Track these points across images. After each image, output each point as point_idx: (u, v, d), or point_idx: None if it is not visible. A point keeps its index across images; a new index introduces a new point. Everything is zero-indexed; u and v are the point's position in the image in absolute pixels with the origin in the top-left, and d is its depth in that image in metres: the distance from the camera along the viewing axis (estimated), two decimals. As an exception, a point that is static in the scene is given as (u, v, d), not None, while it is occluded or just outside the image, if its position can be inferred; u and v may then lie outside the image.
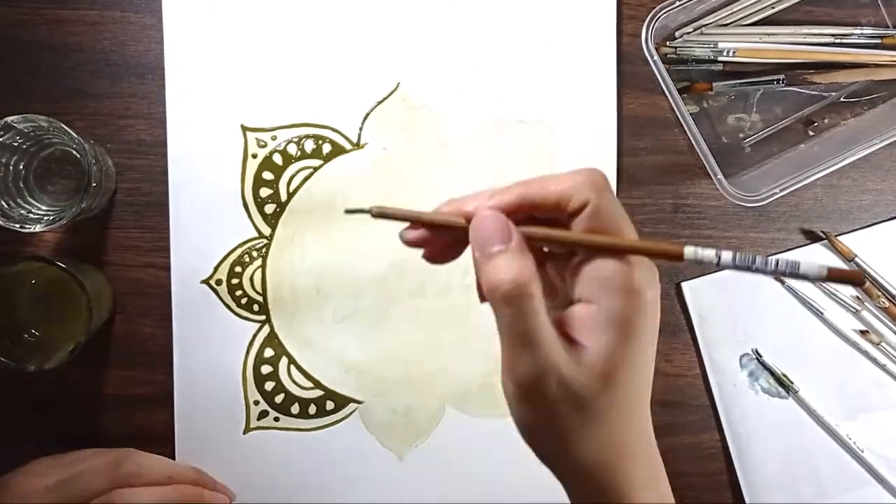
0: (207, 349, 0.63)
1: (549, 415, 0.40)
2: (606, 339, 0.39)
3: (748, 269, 0.37)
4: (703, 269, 0.66)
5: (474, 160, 0.64)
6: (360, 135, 0.64)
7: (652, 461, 0.43)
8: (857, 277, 0.36)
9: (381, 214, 0.42)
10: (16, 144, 0.59)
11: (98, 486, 0.56)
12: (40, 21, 0.62)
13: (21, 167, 0.60)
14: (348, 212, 0.43)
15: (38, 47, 0.62)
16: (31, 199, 0.60)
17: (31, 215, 0.59)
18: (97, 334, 0.62)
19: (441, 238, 0.42)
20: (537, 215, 0.41)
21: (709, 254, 0.37)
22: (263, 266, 0.63)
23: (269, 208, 0.63)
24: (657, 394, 0.64)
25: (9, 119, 0.55)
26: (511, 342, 0.40)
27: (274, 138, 0.63)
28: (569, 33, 0.64)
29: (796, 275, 0.36)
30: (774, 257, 0.39)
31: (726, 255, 0.37)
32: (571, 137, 0.64)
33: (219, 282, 0.63)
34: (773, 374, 0.65)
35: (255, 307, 0.63)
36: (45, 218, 0.58)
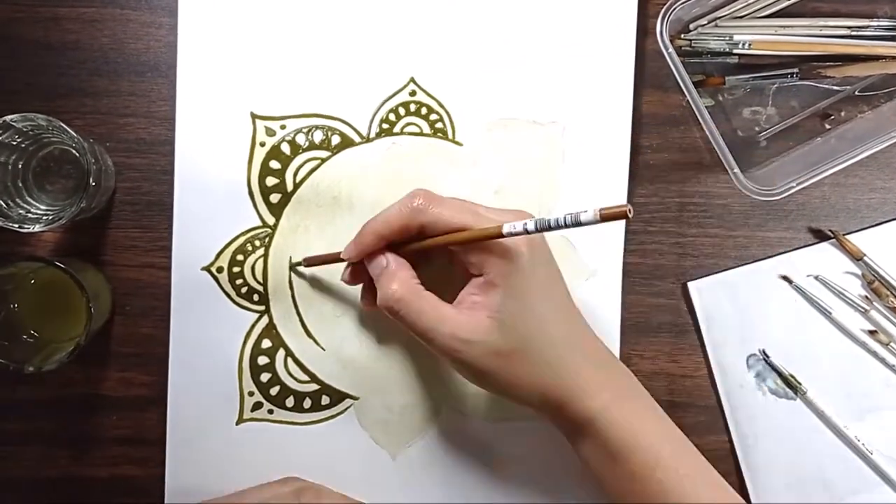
0: (204, 337, 0.62)
1: (477, 368, 0.52)
2: (491, 298, 0.51)
3: (547, 229, 0.47)
4: (708, 269, 0.65)
5: (485, 158, 0.64)
6: (370, 128, 0.63)
7: (593, 372, 0.54)
8: (622, 214, 0.43)
9: (309, 263, 0.61)
10: (14, 143, 0.58)
11: None
12: (38, 19, 0.62)
13: (20, 166, 0.60)
14: (293, 266, 0.63)
15: (35, 45, 0.62)
16: (29, 199, 0.60)
17: (29, 215, 0.58)
18: (96, 335, 0.61)
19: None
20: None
21: (518, 226, 0.48)
22: (266, 256, 0.63)
23: (275, 198, 0.63)
24: (663, 394, 0.64)
25: (7, 118, 0.54)
26: (417, 337, 0.53)
27: (283, 127, 0.63)
28: (587, 33, 0.64)
29: (578, 223, 0.44)
30: (563, 214, 0.46)
31: (530, 224, 0.47)
32: (584, 138, 0.64)
33: (220, 269, 0.62)
34: (780, 374, 0.65)
35: (256, 297, 0.63)
36: (45, 218, 0.58)
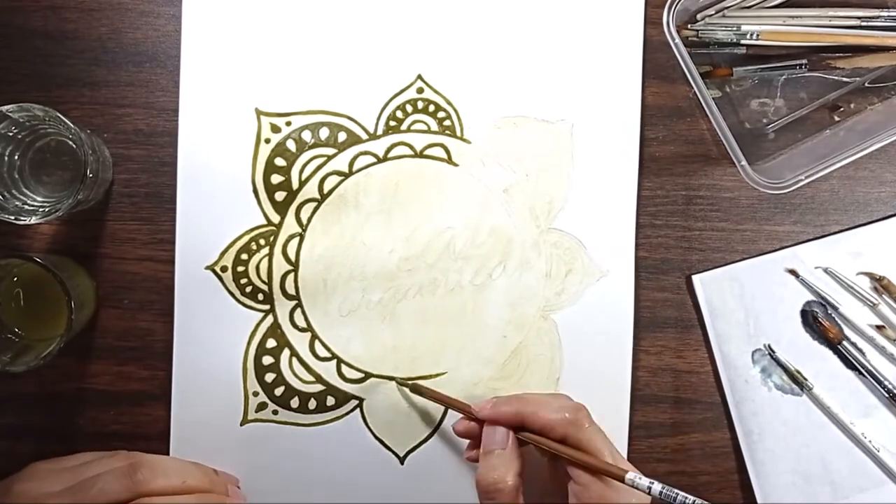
0: (208, 337, 0.62)
1: None
2: None
3: (672, 502, 0.49)
4: (715, 263, 0.65)
5: (493, 156, 0.63)
6: (377, 125, 0.63)
7: None
8: None
9: (417, 391, 0.61)
10: (11, 134, 0.58)
11: (115, 492, 0.53)
12: (35, 8, 0.61)
13: (16, 157, 0.59)
14: (399, 382, 0.62)
15: (33, 34, 0.61)
16: (26, 191, 0.59)
17: (26, 207, 0.58)
18: (94, 329, 0.61)
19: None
20: None
21: (643, 482, 0.50)
22: (270, 254, 0.62)
23: (280, 195, 0.62)
24: (669, 391, 0.63)
25: (3, 108, 0.53)
26: None
27: (288, 124, 0.62)
28: (594, 27, 0.64)
29: None
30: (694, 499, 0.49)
31: (656, 486, 0.50)
32: (593, 135, 0.64)
33: (224, 268, 0.62)
34: (786, 370, 0.64)
35: (260, 296, 0.62)
36: (41, 210, 0.57)
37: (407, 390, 0.62)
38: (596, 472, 0.53)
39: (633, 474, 0.51)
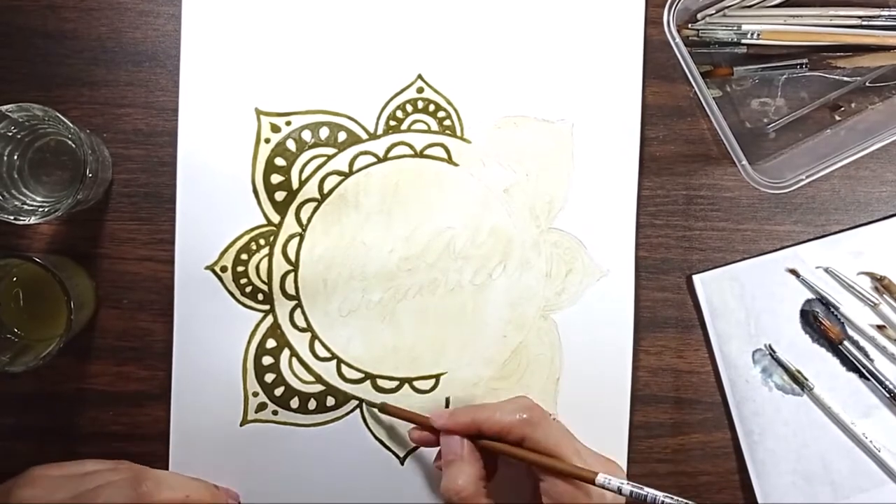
0: (208, 337, 0.62)
1: None
2: None
3: (642, 503, 0.49)
4: (715, 263, 0.64)
5: (494, 156, 0.63)
6: (377, 125, 0.63)
7: None
8: None
9: (385, 411, 0.61)
10: (10, 134, 0.58)
11: (121, 503, 0.54)
12: (35, 7, 0.61)
13: (15, 157, 0.59)
14: (369, 405, 0.62)
15: (32, 34, 0.61)
16: (25, 191, 0.59)
17: (25, 207, 0.58)
18: (93, 329, 0.61)
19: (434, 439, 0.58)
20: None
21: (613, 482, 0.50)
22: (270, 254, 0.62)
23: (280, 195, 0.62)
24: (669, 391, 0.63)
25: (3, 108, 0.53)
26: None
27: (288, 123, 0.62)
28: (594, 27, 0.64)
29: None
30: (662, 494, 0.49)
31: (626, 487, 0.50)
32: (593, 135, 0.64)
33: (223, 268, 0.62)
34: (787, 370, 0.64)
35: (260, 296, 0.62)
36: (40, 209, 0.57)
37: (376, 411, 0.62)
38: (562, 475, 0.53)
39: (603, 476, 0.50)
